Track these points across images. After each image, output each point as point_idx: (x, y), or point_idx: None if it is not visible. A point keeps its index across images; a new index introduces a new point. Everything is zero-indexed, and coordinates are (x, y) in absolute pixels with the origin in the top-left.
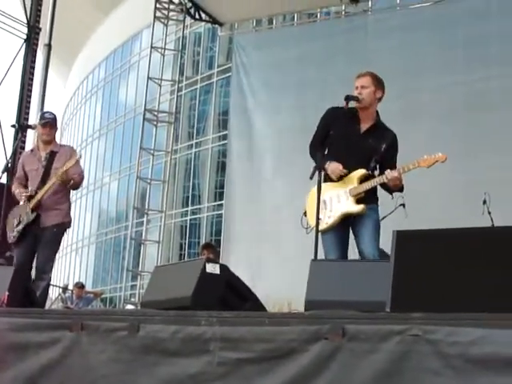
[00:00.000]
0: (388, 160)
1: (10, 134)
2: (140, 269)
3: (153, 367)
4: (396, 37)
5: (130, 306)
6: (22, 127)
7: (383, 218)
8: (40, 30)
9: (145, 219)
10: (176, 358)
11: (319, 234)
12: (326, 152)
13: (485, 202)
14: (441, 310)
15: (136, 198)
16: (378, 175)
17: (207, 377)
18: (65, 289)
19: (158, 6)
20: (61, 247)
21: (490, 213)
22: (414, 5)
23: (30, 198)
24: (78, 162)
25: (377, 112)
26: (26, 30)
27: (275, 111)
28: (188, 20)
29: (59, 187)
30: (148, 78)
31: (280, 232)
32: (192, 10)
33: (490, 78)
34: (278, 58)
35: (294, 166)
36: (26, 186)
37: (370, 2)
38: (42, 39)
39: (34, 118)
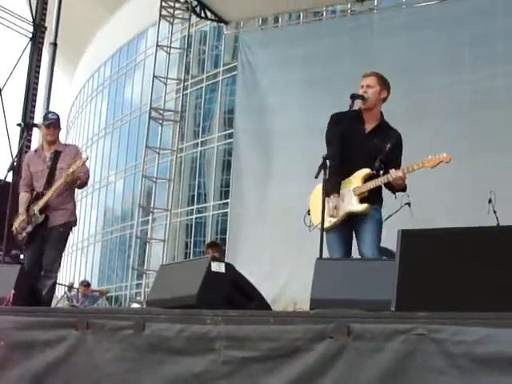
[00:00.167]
0: (393, 160)
1: (15, 132)
2: (145, 267)
3: (158, 366)
4: (402, 35)
5: (135, 305)
6: (27, 126)
7: (388, 217)
8: (46, 28)
9: (150, 218)
10: (181, 357)
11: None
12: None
13: (490, 201)
14: (446, 310)
15: (141, 196)
16: (383, 175)
17: (212, 375)
18: (70, 287)
19: (163, 4)
20: (67, 245)
21: (495, 212)
22: (420, 3)
23: (36, 198)
24: (84, 163)
25: (381, 112)
26: (31, 28)
27: (281, 109)
28: (194, 18)
29: (64, 187)
30: (154, 76)
31: (285, 231)
32: (198, 9)
33: (495, 76)
34: (283, 56)
35: (300, 164)
36: (32, 187)
37: (375, 1)
38: (48, 38)
39: (39, 116)
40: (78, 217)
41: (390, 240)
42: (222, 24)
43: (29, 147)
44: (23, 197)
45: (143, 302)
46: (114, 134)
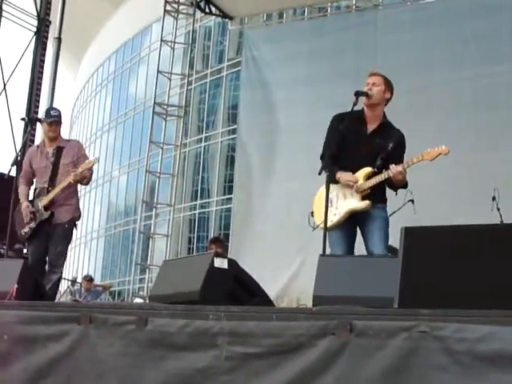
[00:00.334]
0: (395, 159)
1: (19, 127)
2: (148, 262)
3: (160, 361)
4: (406, 31)
5: (138, 300)
6: (31, 120)
7: (392, 214)
8: (50, 23)
9: (153, 213)
10: (184, 352)
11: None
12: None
13: (494, 199)
14: (449, 307)
15: (145, 191)
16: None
17: (215, 371)
18: (73, 282)
19: None
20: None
21: (499, 209)
22: (424, 0)
23: (40, 194)
24: (87, 157)
25: (384, 113)
26: (36, 23)
27: (285, 105)
28: (198, 14)
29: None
30: (158, 71)
31: (289, 226)
32: (202, 4)
33: (499, 73)
34: (288, 52)
35: (304, 160)
36: (32, 183)
37: None
38: (52, 32)
39: (43, 111)
40: (81, 211)
41: (393, 237)
42: (226, 19)
43: (33, 141)
44: (23, 189)
45: (146, 296)
46: (118, 128)
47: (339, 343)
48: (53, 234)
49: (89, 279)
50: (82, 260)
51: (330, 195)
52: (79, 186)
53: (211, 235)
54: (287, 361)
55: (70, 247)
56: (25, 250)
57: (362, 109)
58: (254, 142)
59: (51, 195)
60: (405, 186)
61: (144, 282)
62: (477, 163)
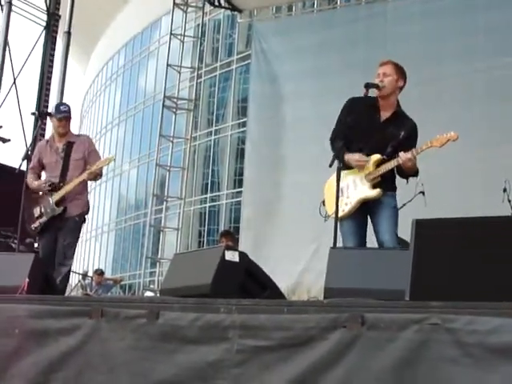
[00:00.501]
0: (406, 148)
1: (29, 121)
2: (159, 256)
3: (172, 355)
4: (416, 23)
5: (149, 293)
6: (41, 115)
7: (402, 206)
8: (60, 17)
9: (164, 206)
10: (195, 346)
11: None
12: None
13: (505, 190)
14: (460, 299)
15: (155, 185)
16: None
17: (226, 364)
18: (84, 275)
19: None
20: (81, 234)
21: (510, 201)
22: None
23: (51, 189)
24: (98, 152)
25: (397, 101)
26: (45, 17)
27: (295, 98)
28: (207, 7)
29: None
30: (167, 65)
31: (299, 219)
32: None
33: (510, 64)
34: (297, 44)
35: (314, 153)
36: (40, 177)
37: None
38: (62, 26)
39: (53, 105)
40: (92, 205)
41: (404, 229)
42: (235, 12)
43: (43, 136)
44: (31, 178)
45: (157, 290)
46: (128, 122)
47: (350, 336)
48: (63, 227)
49: (100, 273)
50: (92, 254)
51: (341, 184)
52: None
53: (221, 228)
54: (298, 354)
55: (80, 241)
56: (36, 245)
57: (376, 97)
58: (264, 135)
59: (63, 191)
60: (415, 174)
61: (155, 276)
62: (489, 155)
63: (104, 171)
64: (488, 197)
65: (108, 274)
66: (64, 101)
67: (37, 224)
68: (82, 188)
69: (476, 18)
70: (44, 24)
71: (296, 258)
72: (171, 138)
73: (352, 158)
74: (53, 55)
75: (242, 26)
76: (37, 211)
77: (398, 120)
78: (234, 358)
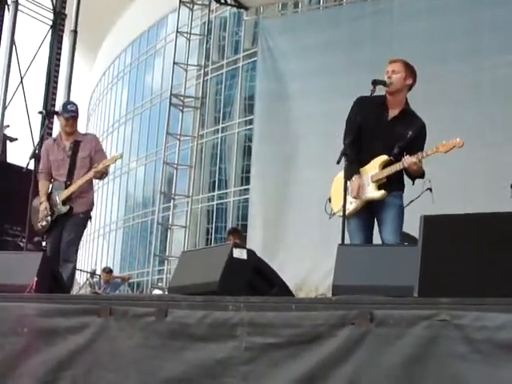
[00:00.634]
0: (414, 149)
1: (37, 120)
2: (167, 253)
3: (180, 352)
4: (422, 20)
5: (157, 291)
6: (48, 114)
7: (410, 203)
8: (66, 16)
9: (171, 204)
10: (203, 343)
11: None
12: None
13: None
14: (468, 295)
15: (163, 182)
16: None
17: (234, 361)
18: (93, 274)
19: None
20: (88, 232)
21: None
22: None
23: (58, 187)
24: (104, 152)
25: (406, 99)
26: (52, 16)
27: (301, 95)
28: (213, 4)
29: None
30: (174, 63)
31: (307, 216)
32: None
33: None
34: (303, 42)
35: (321, 150)
36: (51, 175)
37: None
38: (68, 25)
39: (60, 104)
40: (99, 203)
41: (411, 225)
42: (241, 10)
43: (50, 134)
44: (43, 185)
45: (165, 288)
46: (135, 120)
47: (359, 333)
48: (67, 224)
49: (108, 271)
50: (100, 252)
51: (347, 183)
52: (94, 179)
53: (229, 226)
54: (307, 351)
55: (88, 239)
56: (44, 243)
57: (385, 95)
58: (271, 132)
59: (70, 190)
60: (421, 176)
61: (163, 274)
62: (494, 153)
63: (111, 169)
64: (493, 195)
65: (116, 272)
66: (71, 99)
67: (44, 222)
68: (88, 186)
69: (482, 15)
70: (50, 23)
71: (304, 255)
72: (178, 136)
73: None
74: (59, 54)
75: (248, 24)
76: (43, 210)
77: (406, 118)
78: (243, 355)
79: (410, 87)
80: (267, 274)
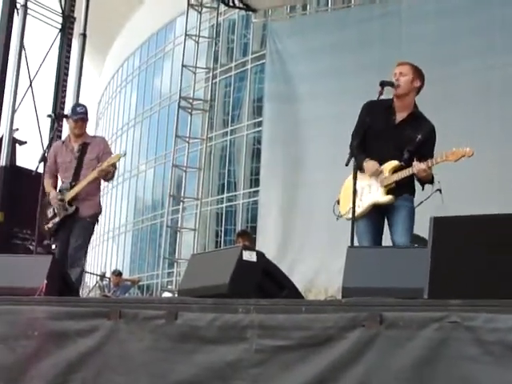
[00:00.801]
0: (423, 153)
1: (46, 124)
2: (176, 256)
3: (190, 355)
4: (430, 22)
5: (167, 293)
6: (57, 117)
7: (419, 204)
8: (74, 19)
9: (181, 207)
10: (213, 346)
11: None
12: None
13: None
14: (479, 297)
15: (172, 185)
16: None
17: (244, 364)
18: (102, 277)
19: None
20: (98, 235)
21: None
22: None
23: (64, 189)
24: (112, 154)
25: (414, 102)
26: (60, 19)
27: (310, 97)
28: (222, 7)
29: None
30: (182, 65)
31: (315, 218)
32: None
33: None
34: (312, 44)
35: (330, 152)
36: (56, 177)
37: None
38: (77, 29)
39: (69, 107)
40: (109, 206)
41: (421, 227)
42: (250, 12)
43: (60, 138)
44: (47, 183)
45: (175, 290)
46: (144, 123)
47: (369, 335)
48: (74, 228)
49: (117, 274)
50: (110, 255)
51: (356, 186)
52: (103, 181)
53: (238, 228)
54: (317, 353)
55: (98, 242)
56: (53, 246)
57: (393, 98)
58: (280, 135)
59: (75, 190)
60: (430, 181)
61: (172, 276)
62: (505, 153)
63: (120, 172)
64: (503, 195)
65: (125, 275)
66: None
67: (50, 224)
68: (95, 189)
69: (491, 14)
70: (59, 27)
71: (313, 256)
72: (187, 139)
73: (366, 166)
74: (68, 57)
75: (256, 26)
76: (50, 212)
77: (414, 121)
78: (253, 357)
79: (419, 90)
80: (277, 276)
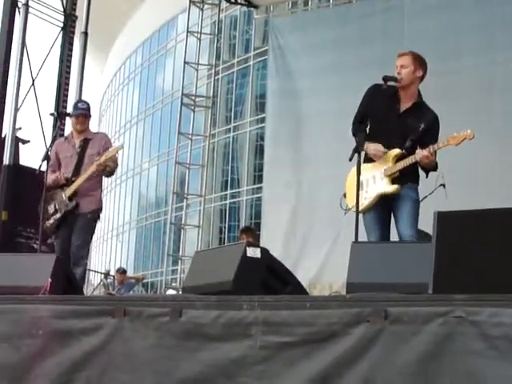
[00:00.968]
0: (427, 142)
1: (49, 122)
2: (180, 253)
3: (195, 352)
4: (433, 17)
5: (171, 291)
6: (60, 115)
7: (423, 199)
8: (76, 17)
9: (184, 204)
10: (218, 343)
11: (360, 214)
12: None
13: None
14: (484, 291)
15: (175, 182)
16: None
17: (249, 361)
18: (106, 275)
19: None
20: (102, 233)
21: None
22: None
23: (64, 184)
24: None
25: (419, 92)
26: (62, 18)
27: (313, 93)
28: (223, 3)
29: (93, 174)
30: (185, 62)
31: (319, 214)
32: None
33: None
34: (314, 39)
35: (333, 147)
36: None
37: None
38: (79, 27)
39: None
40: (112, 204)
41: (425, 222)
42: (251, 8)
43: (62, 136)
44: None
45: (179, 287)
46: (147, 121)
47: (374, 330)
48: (75, 225)
49: (122, 272)
50: (114, 252)
51: (361, 178)
52: (105, 178)
53: (242, 225)
54: (321, 349)
55: (102, 240)
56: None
57: (396, 86)
58: (283, 131)
59: (75, 185)
60: (434, 168)
61: (176, 273)
62: (509, 147)
63: (124, 170)
64: (507, 189)
65: (130, 273)
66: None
67: (52, 220)
68: (96, 184)
69: (493, 10)
70: (61, 25)
71: (317, 252)
72: (190, 136)
73: (370, 147)
74: (70, 56)
75: (258, 22)
76: (51, 208)
77: (418, 111)
78: (258, 354)
79: (421, 78)
80: (281, 273)
